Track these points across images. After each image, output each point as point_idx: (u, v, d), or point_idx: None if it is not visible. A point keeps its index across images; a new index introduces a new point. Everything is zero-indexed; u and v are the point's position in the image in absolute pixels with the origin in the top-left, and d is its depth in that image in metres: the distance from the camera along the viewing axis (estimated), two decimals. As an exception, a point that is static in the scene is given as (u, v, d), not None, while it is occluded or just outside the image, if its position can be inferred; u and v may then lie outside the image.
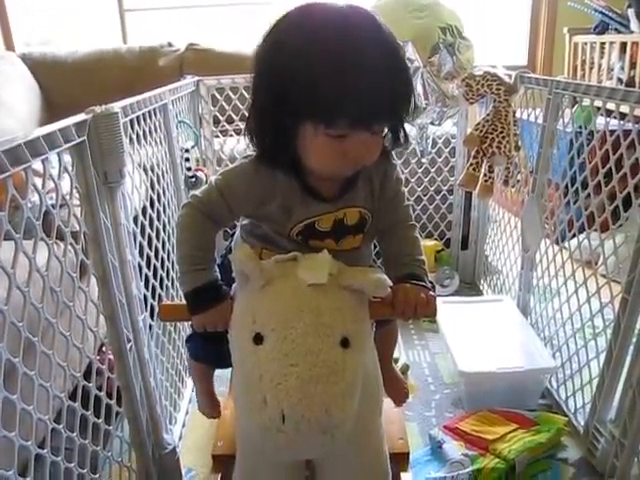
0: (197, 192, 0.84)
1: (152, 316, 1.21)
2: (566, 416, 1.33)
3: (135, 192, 1.16)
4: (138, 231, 1.15)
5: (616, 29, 2.44)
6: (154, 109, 1.30)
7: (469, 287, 2.01)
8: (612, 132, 1.24)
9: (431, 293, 0.81)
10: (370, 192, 0.85)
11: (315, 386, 0.68)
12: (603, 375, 1.19)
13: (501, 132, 1.61)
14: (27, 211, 0.72)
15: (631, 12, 2.33)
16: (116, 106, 0.96)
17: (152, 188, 1.32)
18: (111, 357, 1.03)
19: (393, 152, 0.88)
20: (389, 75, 0.71)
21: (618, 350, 1.14)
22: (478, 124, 1.64)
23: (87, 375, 0.95)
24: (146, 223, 1.21)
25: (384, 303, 0.79)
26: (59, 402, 0.86)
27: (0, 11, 2.78)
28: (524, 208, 1.59)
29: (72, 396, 0.90)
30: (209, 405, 1.08)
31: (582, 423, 1.27)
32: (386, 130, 0.79)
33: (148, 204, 1.28)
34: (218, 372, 1.27)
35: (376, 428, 0.93)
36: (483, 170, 1.67)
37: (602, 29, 2.50)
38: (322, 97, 0.69)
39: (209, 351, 0.97)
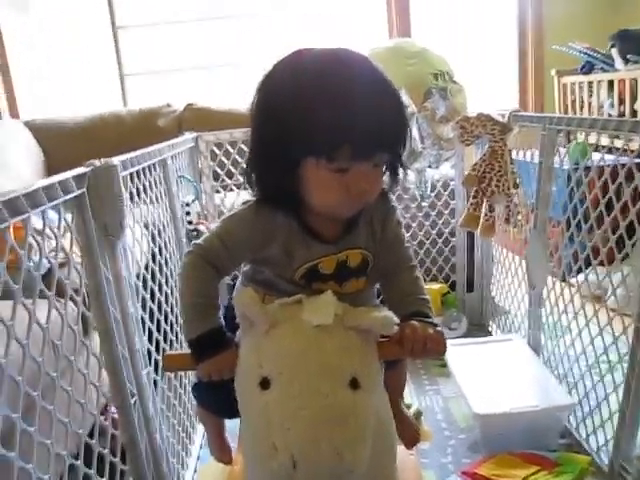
0: (199, 240, 0.85)
1: (156, 371, 1.18)
2: (588, 455, 1.28)
3: (137, 247, 1.16)
4: (141, 285, 1.14)
5: (602, 68, 2.50)
6: (154, 164, 1.31)
7: (477, 329, 1.98)
8: (608, 166, 1.25)
9: (439, 329, 0.80)
10: (371, 234, 0.85)
11: (325, 429, 0.66)
12: (623, 409, 1.15)
13: (499, 171, 1.62)
14: (26, 268, 0.72)
15: (615, 51, 2.39)
16: (115, 159, 0.97)
17: (154, 242, 1.33)
18: (115, 416, 1.01)
19: (393, 196, 0.90)
20: (384, 105, 0.73)
21: (636, 381, 1.11)
22: (475, 164, 1.65)
23: (93, 436, 0.93)
24: (148, 277, 1.21)
25: (392, 342, 0.77)
26: (62, 462, 0.83)
27: (5, 80, 2.87)
28: (528, 245, 1.58)
29: (77, 457, 0.87)
30: (220, 450, 1.05)
31: (606, 461, 1.22)
32: (384, 167, 0.80)
33: (150, 258, 1.28)
34: (227, 426, 1.25)
35: (391, 474, 0.89)
36: (483, 210, 1.67)
37: (588, 69, 2.56)
38: (320, 130, 0.71)
39: (216, 399, 0.94)
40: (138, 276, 1.13)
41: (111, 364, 0.96)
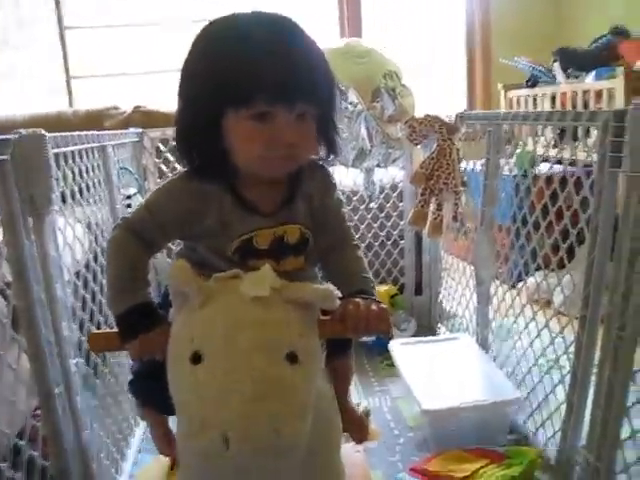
0: (127, 214, 0.81)
1: (88, 363, 1.11)
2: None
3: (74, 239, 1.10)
4: (73, 272, 1.08)
5: (545, 82, 2.58)
6: (92, 149, 1.26)
7: (426, 331, 1.96)
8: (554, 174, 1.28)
9: (383, 306, 0.76)
10: (309, 210, 0.83)
11: (261, 404, 0.61)
12: (570, 400, 1.14)
13: (447, 169, 1.62)
14: None
15: (557, 66, 2.47)
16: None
17: (90, 230, 1.26)
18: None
19: (332, 174, 0.87)
20: (304, 53, 0.72)
21: (582, 371, 1.10)
22: (424, 162, 1.65)
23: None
24: (83, 270, 1.14)
25: (334, 319, 0.74)
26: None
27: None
28: (475, 242, 1.58)
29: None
30: (163, 442, 0.98)
31: (554, 453, 1.21)
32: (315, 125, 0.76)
33: (88, 251, 1.22)
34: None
35: (335, 462, 0.85)
36: (431, 208, 1.67)
37: (533, 83, 2.64)
38: (231, 73, 0.69)
39: (154, 394, 0.87)
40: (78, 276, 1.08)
41: (33, 348, 0.89)
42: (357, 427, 1.02)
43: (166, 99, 2.69)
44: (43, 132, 0.89)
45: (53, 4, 2.85)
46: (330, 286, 0.71)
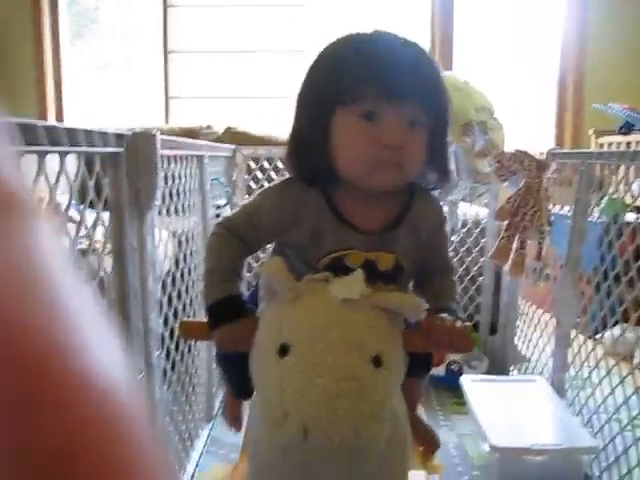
0: (227, 214, 0.84)
1: (168, 358, 1.15)
2: (612, 504, 1.19)
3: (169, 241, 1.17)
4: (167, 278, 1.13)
5: (641, 129, 2.49)
6: (191, 156, 1.33)
7: (498, 372, 1.90)
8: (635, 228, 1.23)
9: (467, 324, 0.75)
10: (415, 243, 0.81)
11: (342, 400, 0.61)
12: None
13: (533, 206, 1.59)
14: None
15: (657, 112, 2.39)
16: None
17: (179, 246, 1.32)
18: None
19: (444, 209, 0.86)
20: (417, 60, 0.73)
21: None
22: (510, 198, 1.63)
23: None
24: (177, 272, 1.20)
25: (418, 333, 0.73)
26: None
27: (57, 95, 2.99)
28: (558, 281, 1.53)
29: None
30: (233, 416, 0.99)
31: (631, 512, 1.14)
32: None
33: (181, 257, 1.28)
34: (232, 439, 1.19)
35: (404, 475, 0.83)
36: (515, 246, 1.64)
37: (627, 130, 2.56)
38: (344, 70, 0.71)
39: (234, 375, 0.90)
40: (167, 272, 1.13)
41: (124, 332, 0.94)
42: (428, 438, 0.99)
43: (256, 122, 2.82)
44: (154, 131, 0.96)
45: (161, 29, 3.05)
46: (417, 297, 0.71)
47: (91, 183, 0.81)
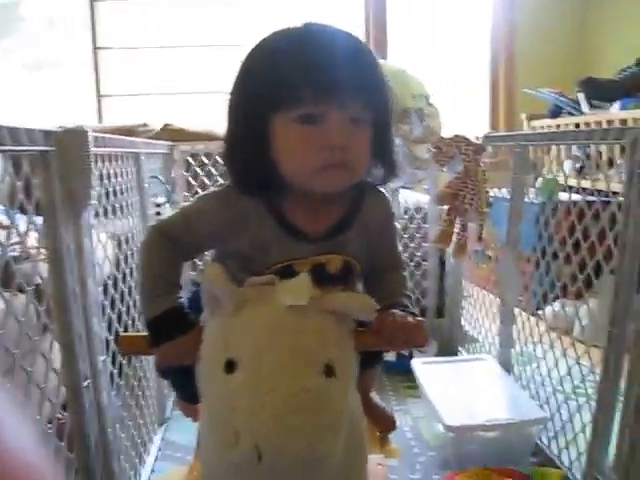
0: (162, 217, 0.80)
1: (114, 363, 1.12)
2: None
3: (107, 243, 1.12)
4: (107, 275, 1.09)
5: (569, 112, 2.60)
6: (126, 154, 1.29)
7: (447, 354, 1.94)
8: (575, 204, 1.27)
9: (420, 319, 0.74)
10: (364, 242, 0.79)
11: (295, 416, 0.59)
12: (596, 419, 1.12)
13: (472, 189, 1.63)
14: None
15: (581, 96, 2.49)
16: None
17: (119, 248, 1.28)
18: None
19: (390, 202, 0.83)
20: (354, 53, 0.70)
21: (608, 390, 1.08)
22: (449, 182, 1.66)
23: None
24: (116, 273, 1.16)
25: (370, 331, 0.72)
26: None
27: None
28: (499, 261, 1.58)
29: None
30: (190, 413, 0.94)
31: (579, 476, 1.18)
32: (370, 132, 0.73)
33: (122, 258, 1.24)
34: (186, 440, 1.15)
35: (362, 475, 0.83)
36: (456, 229, 1.67)
37: (556, 113, 2.66)
38: (277, 71, 0.68)
39: (182, 383, 0.87)
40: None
41: (65, 338, 0.90)
42: (385, 418, 1.00)
43: (193, 118, 2.77)
44: (85, 127, 0.92)
45: (89, 25, 2.95)
46: (367, 296, 0.70)
47: (19, 184, 0.77)
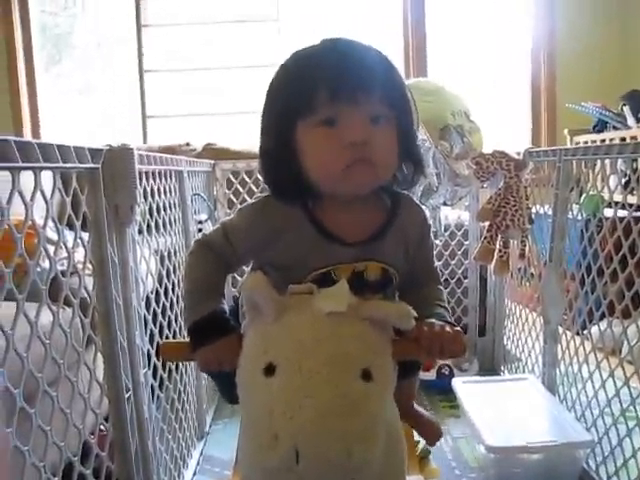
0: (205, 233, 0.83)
1: (155, 376, 1.14)
2: (609, 497, 1.19)
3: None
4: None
5: (614, 127, 2.53)
6: (170, 172, 1.32)
7: (489, 374, 1.90)
8: (621, 219, 1.23)
9: (458, 329, 0.74)
10: (404, 251, 0.80)
11: (334, 419, 0.59)
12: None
13: (514, 205, 1.61)
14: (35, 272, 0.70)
15: (627, 109, 2.43)
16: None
17: (162, 263, 1.31)
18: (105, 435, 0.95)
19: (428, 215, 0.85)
20: (367, 56, 0.72)
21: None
22: (490, 198, 1.64)
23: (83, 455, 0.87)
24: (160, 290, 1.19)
25: (408, 340, 0.72)
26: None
27: (32, 114, 2.98)
28: (543, 279, 1.54)
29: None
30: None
31: (629, 504, 1.13)
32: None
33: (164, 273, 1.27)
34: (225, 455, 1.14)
35: None
36: (498, 246, 1.65)
37: (600, 128, 2.60)
38: (297, 82, 0.71)
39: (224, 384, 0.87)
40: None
41: (108, 349, 0.92)
42: (430, 428, 1.00)
43: (234, 138, 2.82)
44: (131, 146, 0.95)
45: (136, 49, 3.05)
46: (405, 304, 0.69)
47: (68, 200, 0.80)
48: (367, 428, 0.61)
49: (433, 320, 0.74)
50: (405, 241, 0.80)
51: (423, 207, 0.85)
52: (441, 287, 0.85)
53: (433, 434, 0.99)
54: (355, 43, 0.74)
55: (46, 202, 0.75)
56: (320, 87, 0.69)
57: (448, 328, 0.73)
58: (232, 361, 0.69)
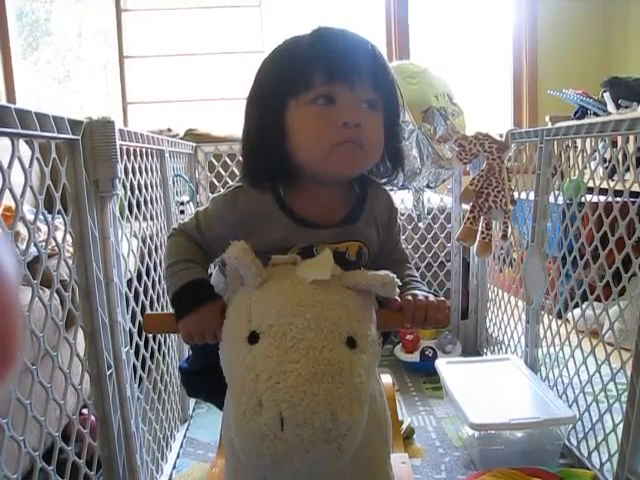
0: (181, 221, 0.83)
1: (137, 355, 1.12)
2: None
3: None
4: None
5: (595, 113, 2.56)
6: (152, 150, 1.30)
7: (472, 355, 1.91)
8: (603, 204, 1.25)
9: (441, 298, 0.74)
10: (376, 232, 0.81)
11: (319, 385, 0.59)
12: (628, 418, 1.09)
13: (496, 187, 1.61)
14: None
15: (607, 96, 2.45)
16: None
17: (143, 243, 1.29)
18: (92, 419, 0.94)
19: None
20: (361, 42, 0.74)
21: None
22: (473, 179, 1.65)
23: (64, 438, 0.86)
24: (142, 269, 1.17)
25: (392, 310, 0.72)
26: (30, 460, 0.77)
27: (9, 93, 2.92)
28: (525, 258, 1.55)
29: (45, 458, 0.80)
30: None
31: (610, 478, 1.15)
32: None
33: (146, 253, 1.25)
34: (208, 438, 1.14)
35: (385, 467, 0.81)
36: (480, 227, 1.65)
37: (581, 115, 2.62)
38: (290, 61, 0.72)
39: (205, 386, 0.88)
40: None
41: (89, 325, 0.90)
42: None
43: (216, 124, 2.79)
44: (111, 119, 0.93)
45: (116, 35, 3.00)
46: (389, 273, 0.69)
47: (47, 169, 0.78)
48: (352, 394, 0.61)
49: (416, 291, 0.74)
50: (375, 223, 0.81)
51: (389, 190, 0.86)
52: (412, 266, 0.87)
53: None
54: (346, 31, 0.75)
55: (24, 171, 0.73)
56: (317, 66, 0.70)
57: (432, 298, 0.74)
58: (215, 332, 0.69)
